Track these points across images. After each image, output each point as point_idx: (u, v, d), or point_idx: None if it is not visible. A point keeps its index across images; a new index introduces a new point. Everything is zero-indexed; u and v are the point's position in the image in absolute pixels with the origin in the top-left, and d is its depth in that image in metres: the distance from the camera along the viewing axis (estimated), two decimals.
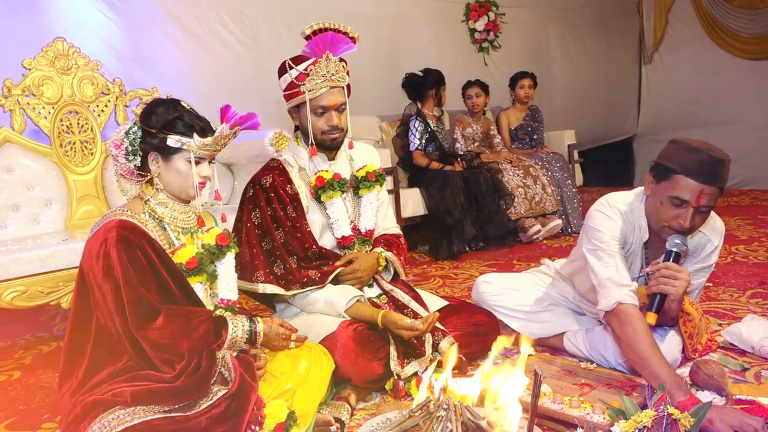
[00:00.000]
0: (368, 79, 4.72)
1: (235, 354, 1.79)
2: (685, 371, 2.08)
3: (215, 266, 1.88)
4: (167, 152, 1.79)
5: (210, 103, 4.11)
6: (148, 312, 1.64)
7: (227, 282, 1.91)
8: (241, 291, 2.09)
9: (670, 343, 2.11)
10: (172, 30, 4.12)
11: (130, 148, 1.79)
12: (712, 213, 2.09)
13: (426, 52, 5.39)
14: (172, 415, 1.58)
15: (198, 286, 1.83)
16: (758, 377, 2.08)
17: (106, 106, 3.42)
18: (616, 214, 2.08)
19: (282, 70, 2.23)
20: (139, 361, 1.66)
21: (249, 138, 3.65)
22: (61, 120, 3.27)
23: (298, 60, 2.19)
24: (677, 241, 1.92)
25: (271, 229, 2.20)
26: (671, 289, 1.88)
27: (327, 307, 2.17)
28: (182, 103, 1.84)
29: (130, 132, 1.80)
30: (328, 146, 2.28)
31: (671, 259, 1.92)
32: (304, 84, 2.17)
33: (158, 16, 4.06)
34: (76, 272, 2.60)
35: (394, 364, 2.07)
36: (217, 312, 1.87)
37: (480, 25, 5.85)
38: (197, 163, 1.80)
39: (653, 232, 2.05)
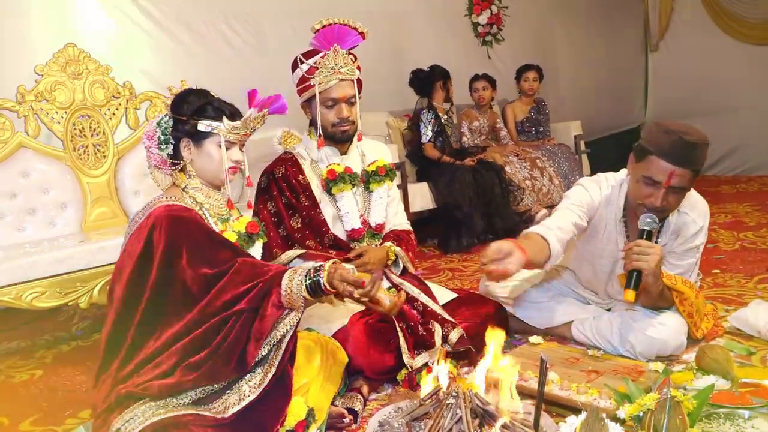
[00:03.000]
0: (373, 75, 4.70)
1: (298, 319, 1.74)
2: (691, 356, 2.12)
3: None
4: (198, 137, 1.83)
5: None
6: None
7: None
8: None
9: (673, 328, 2.15)
10: (179, 32, 4.16)
11: (162, 137, 1.83)
12: (695, 194, 2.16)
13: (429, 47, 5.40)
14: (200, 413, 1.62)
15: None
16: (764, 361, 2.11)
17: (117, 109, 3.48)
18: (595, 187, 2.21)
19: (294, 66, 2.30)
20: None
21: (258, 137, 3.70)
22: (74, 124, 3.33)
23: (308, 54, 2.26)
24: (648, 219, 2.00)
25: (286, 217, 2.26)
26: (643, 264, 1.94)
27: None
28: (211, 93, 1.89)
29: (162, 122, 1.85)
30: (339, 139, 2.33)
31: (643, 237, 2.00)
32: (314, 77, 2.23)
33: (165, 19, 4.10)
34: (92, 273, 2.72)
35: (406, 357, 2.12)
36: None
37: (483, 18, 5.86)
38: (228, 147, 1.84)
39: (632, 210, 2.13)
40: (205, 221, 1.82)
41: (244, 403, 1.66)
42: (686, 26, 7.18)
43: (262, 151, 3.67)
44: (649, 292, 2.03)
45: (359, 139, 2.42)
